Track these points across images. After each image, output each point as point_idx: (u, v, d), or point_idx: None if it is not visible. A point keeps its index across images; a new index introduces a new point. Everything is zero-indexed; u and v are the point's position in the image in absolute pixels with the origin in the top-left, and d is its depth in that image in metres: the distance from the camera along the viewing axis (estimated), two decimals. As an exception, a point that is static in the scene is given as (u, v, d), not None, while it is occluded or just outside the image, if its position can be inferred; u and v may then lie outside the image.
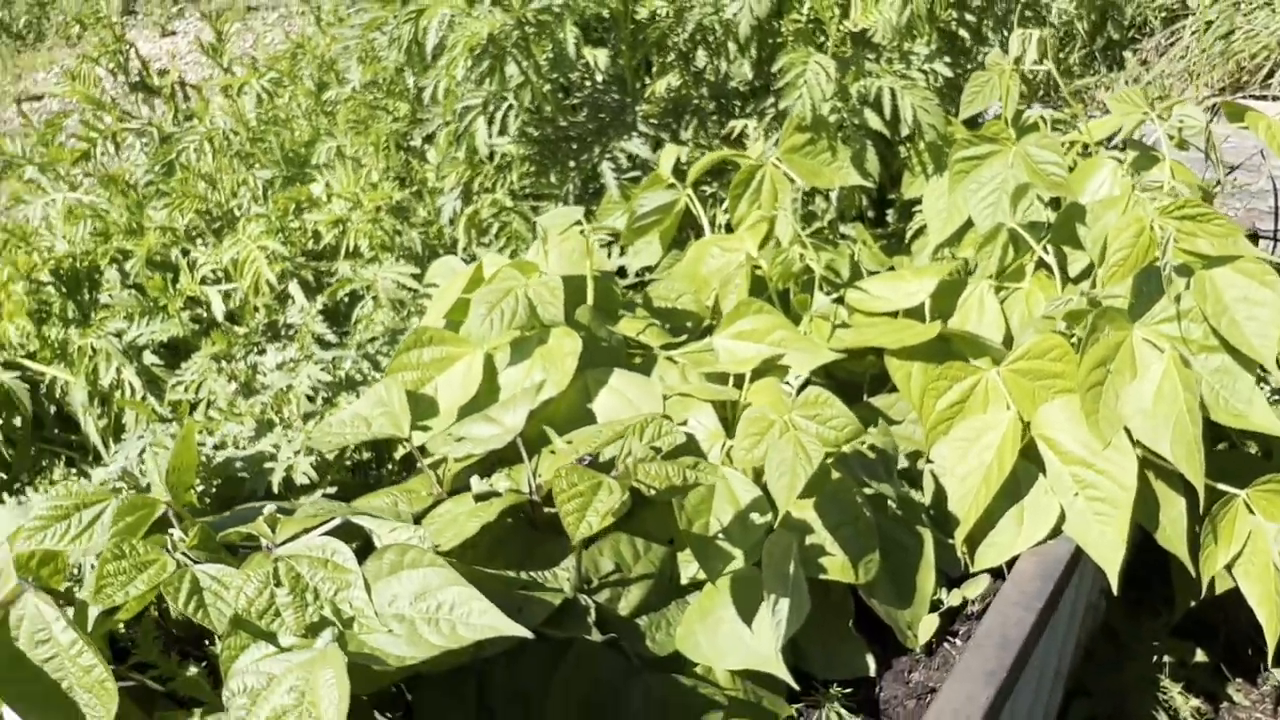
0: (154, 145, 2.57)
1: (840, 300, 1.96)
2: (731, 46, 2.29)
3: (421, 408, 1.47)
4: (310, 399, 1.63)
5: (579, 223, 1.72)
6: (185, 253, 2.10)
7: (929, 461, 1.77)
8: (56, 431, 1.97)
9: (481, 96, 2.18)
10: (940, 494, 1.75)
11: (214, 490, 1.61)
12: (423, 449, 1.49)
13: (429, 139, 2.44)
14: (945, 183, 2.21)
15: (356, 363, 1.71)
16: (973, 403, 1.75)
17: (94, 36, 2.77)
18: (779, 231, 1.97)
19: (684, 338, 1.80)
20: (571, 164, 2.28)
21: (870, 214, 2.39)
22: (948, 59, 2.30)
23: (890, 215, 2.50)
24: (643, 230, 2.09)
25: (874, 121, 2.16)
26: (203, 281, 1.83)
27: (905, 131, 2.16)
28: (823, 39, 2.21)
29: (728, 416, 1.57)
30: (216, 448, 1.58)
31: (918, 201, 2.30)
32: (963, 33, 2.38)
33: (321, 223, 2.00)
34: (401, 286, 1.95)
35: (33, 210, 2.40)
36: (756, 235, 1.95)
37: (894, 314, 1.93)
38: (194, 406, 1.79)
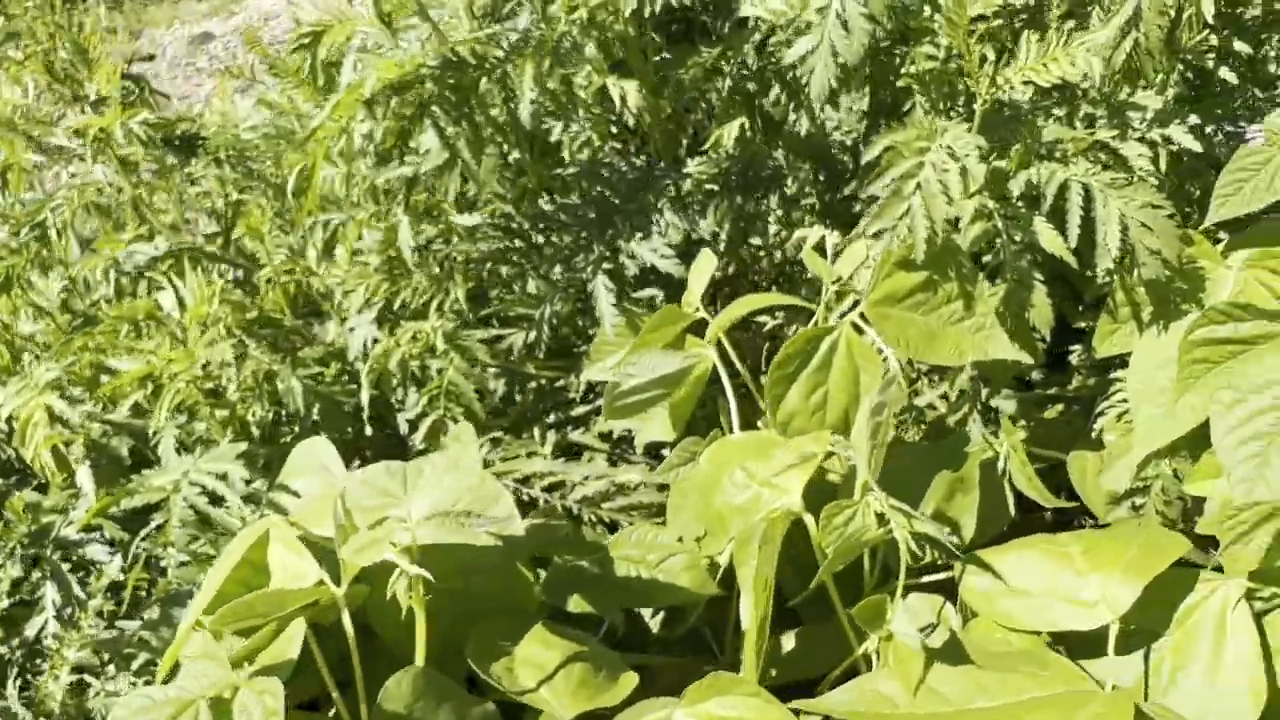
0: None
1: (950, 589, 1.10)
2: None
3: None
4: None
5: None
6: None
7: None
8: None
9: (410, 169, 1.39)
10: None
11: None
12: None
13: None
14: (1172, 342, 1.28)
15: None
16: None
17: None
18: (850, 455, 1.12)
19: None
20: (559, 270, 1.46)
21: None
22: (1195, 118, 1.35)
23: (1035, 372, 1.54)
24: (629, 410, 1.27)
25: (1050, 242, 1.24)
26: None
27: (1106, 264, 1.23)
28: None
29: None
30: None
31: (1112, 363, 1.38)
32: (1224, 72, 1.39)
33: (125, 379, 1.26)
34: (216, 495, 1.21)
35: None
36: (808, 469, 1.09)
37: (1051, 637, 1.05)
38: None
